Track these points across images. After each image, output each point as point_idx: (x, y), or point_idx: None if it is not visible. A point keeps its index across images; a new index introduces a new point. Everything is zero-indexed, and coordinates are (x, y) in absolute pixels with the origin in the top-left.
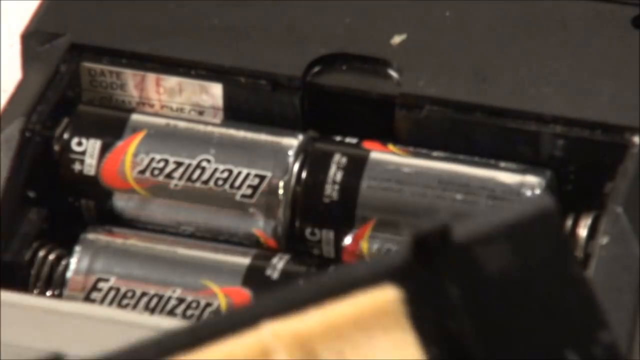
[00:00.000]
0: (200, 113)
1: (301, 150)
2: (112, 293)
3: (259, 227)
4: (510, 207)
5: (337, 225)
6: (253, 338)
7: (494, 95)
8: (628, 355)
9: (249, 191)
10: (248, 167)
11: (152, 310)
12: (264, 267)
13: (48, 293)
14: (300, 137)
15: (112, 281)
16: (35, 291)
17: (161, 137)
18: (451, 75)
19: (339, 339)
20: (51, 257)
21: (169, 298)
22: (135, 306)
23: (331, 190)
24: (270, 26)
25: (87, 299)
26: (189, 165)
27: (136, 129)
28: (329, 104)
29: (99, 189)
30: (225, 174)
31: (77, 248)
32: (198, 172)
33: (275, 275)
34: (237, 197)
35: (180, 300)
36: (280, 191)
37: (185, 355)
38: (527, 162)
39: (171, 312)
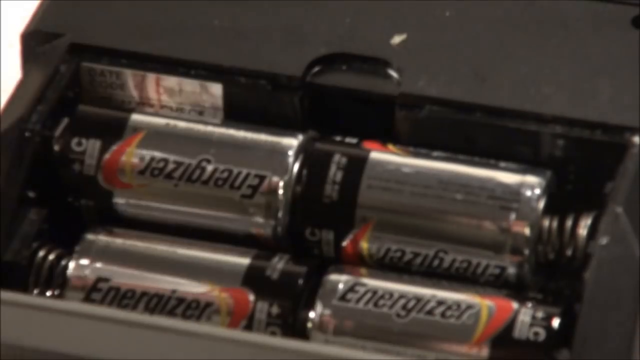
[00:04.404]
0: (200, 113)
1: (301, 150)
2: (112, 293)
3: (259, 227)
4: None
5: (337, 225)
6: None
7: (494, 95)
8: (628, 355)
9: (249, 191)
10: (248, 167)
11: (152, 310)
12: (264, 267)
13: (48, 293)
14: (300, 137)
15: (112, 281)
16: (35, 291)
17: (161, 137)
18: (451, 75)
19: None
20: (51, 257)
21: (169, 298)
22: (135, 306)
23: (331, 190)
24: (270, 26)
25: (87, 299)
26: (189, 165)
27: (136, 129)
28: (329, 104)
29: (99, 189)
30: (225, 174)
31: (77, 248)
32: (198, 172)
33: (275, 275)
34: (237, 197)
35: (180, 300)
36: (280, 191)
37: None
38: (527, 162)
39: (171, 312)
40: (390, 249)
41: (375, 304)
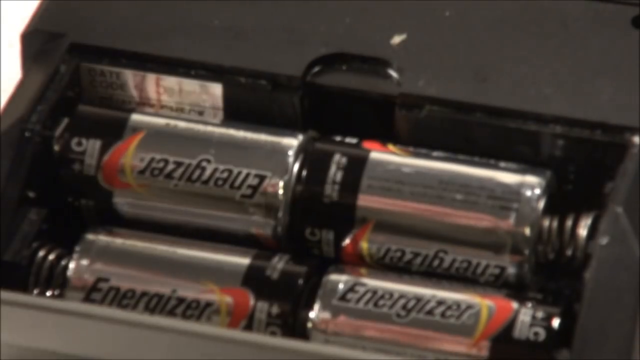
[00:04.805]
0: (200, 113)
1: (301, 150)
2: (112, 293)
3: (259, 227)
4: None
5: (337, 225)
6: None
7: (494, 95)
8: (628, 355)
9: (249, 191)
10: (248, 167)
11: (152, 310)
12: (264, 267)
13: (48, 293)
14: (300, 137)
15: (112, 281)
16: (35, 291)
17: (161, 137)
18: (451, 75)
19: None
20: (51, 257)
21: (169, 298)
22: (135, 306)
23: (331, 190)
24: (270, 26)
25: (87, 299)
26: (189, 165)
27: (136, 129)
28: (329, 104)
29: (99, 189)
30: (225, 174)
31: (77, 248)
32: (198, 172)
33: (275, 275)
34: (237, 197)
35: (180, 300)
36: (280, 191)
37: None
38: (527, 162)
39: (171, 312)
40: (390, 249)
41: (375, 304)
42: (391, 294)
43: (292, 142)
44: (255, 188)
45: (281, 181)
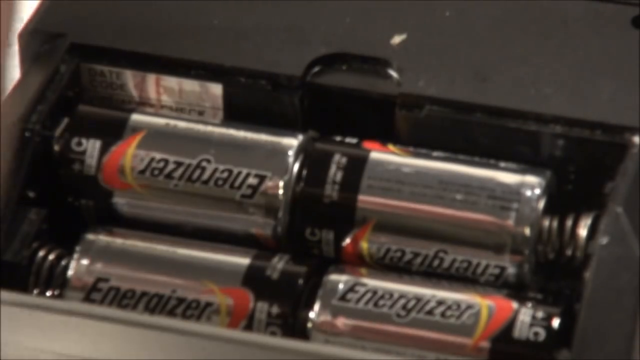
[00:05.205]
0: (200, 113)
1: (301, 150)
2: (112, 293)
3: (259, 227)
4: None
5: (337, 225)
6: None
7: (494, 95)
8: (628, 355)
9: (249, 191)
10: (248, 167)
11: (152, 310)
12: (264, 267)
13: (48, 293)
14: (300, 137)
15: (112, 281)
16: (35, 291)
17: (161, 137)
18: (451, 75)
19: None
20: (51, 257)
21: (169, 298)
22: (135, 306)
23: (331, 190)
24: (270, 26)
25: (87, 299)
26: (189, 165)
27: (136, 129)
28: (329, 104)
29: (99, 189)
30: (225, 174)
31: (77, 248)
32: (198, 172)
33: (275, 275)
34: (237, 197)
35: (180, 300)
36: (280, 191)
37: None
38: (527, 162)
39: (171, 312)
40: (390, 249)
41: (375, 304)
42: (391, 294)
43: (292, 142)
44: (255, 188)
45: (281, 181)
